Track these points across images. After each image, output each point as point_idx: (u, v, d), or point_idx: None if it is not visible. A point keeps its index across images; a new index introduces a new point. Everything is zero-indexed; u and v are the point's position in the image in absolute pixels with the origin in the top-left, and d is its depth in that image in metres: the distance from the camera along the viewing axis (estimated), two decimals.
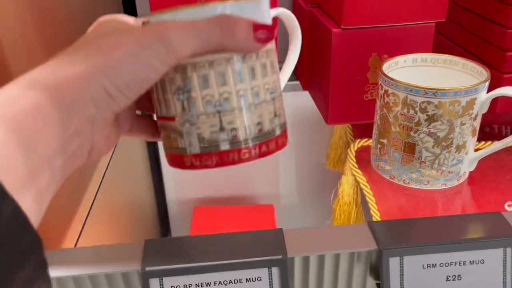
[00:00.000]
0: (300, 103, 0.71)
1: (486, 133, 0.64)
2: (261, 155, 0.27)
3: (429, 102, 0.37)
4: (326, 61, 0.52)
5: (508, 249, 0.31)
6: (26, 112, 0.21)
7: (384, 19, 0.48)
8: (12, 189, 0.18)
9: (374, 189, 0.49)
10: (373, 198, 0.49)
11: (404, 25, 0.49)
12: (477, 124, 0.40)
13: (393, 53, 0.50)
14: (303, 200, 0.81)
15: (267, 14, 0.27)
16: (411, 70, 0.45)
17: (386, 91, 0.40)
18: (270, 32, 0.26)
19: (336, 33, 0.49)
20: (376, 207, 0.48)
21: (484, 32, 0.55)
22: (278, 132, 0.28)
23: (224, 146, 0.26)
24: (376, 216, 0.47)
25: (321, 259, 0.31)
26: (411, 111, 0.38)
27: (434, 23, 0.49)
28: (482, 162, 0.61)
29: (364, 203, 0.55)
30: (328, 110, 0.54)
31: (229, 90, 0.26)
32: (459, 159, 0.40)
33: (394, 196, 0.49)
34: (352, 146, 0.56)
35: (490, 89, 0.56)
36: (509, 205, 0.55)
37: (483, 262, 0.31)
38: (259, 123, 0.27)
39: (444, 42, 0.66)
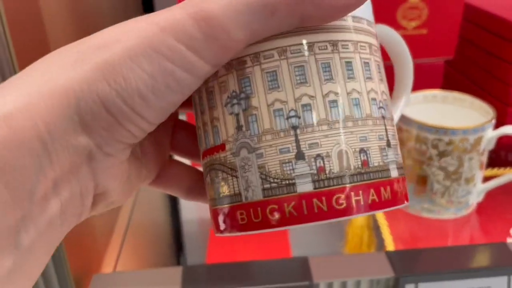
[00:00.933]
0: None
1: (501, 158, 0.67)
2: (367, 207, 0.16)
3: (440, 139, 0.41)
4: None
5: None
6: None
7: None
8: None
9: (386, 213, 0.52)
10: (385, 222, 0.52)
11: (415, 62, 0.52)
12: (484, 158, 0.43)
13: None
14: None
15: None
16: (422, 107, 0.48)
17: (400, 127, 0.44)
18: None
19: None
20: (388, 231, 0.51)
21: (491, 67, 0.59)
22: (394, 174, 0.17)
23: (304, 186, 0.16)
24: (388, 240, 0.50)
25: (343, 285, 0.34)
26: (424, 147, 0.42)
27: (443, 61, 0.53)
28: (494, 189, 0.64)
29: (376, 227, 0.58)
30: None
31: (311, 92, 0.16)
32: (468, 191, 0.44)
33: (405, 221, 0.52)
34: None
35: (497, 122, 0.59)
36: None
37: None
38: (362, 151, 0.16)
39: (455, 76, 0.69)
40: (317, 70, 0.16)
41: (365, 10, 0.18)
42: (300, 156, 0.16)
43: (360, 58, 0.17)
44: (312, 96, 0.16)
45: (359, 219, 0.62)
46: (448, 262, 0.34)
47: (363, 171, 0.16)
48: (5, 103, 0.13)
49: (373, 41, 0.18)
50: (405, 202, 0.18)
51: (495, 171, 0.58)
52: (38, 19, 0.31)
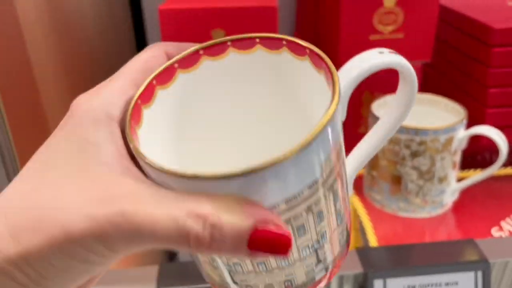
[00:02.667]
0: None
1: (478, 160, 0.69)
2: None
3: (412, 140, 0.42)
4: None
5: (479, 272, 0.35)
6: None
7: None
8: None
9: (371, 214, 0.53)
10: (369, 223, 0.53)
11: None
12: (457, 158, 0.44)
13: (385, 90, 0.55)
14: None
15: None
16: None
17: None
18: (282, 240, 0.17)
19: None
20: (373, 232, 0.52)
21: (468, 69, 0.60)
22: (319, 276, 0.22)
23: None
24: (373, 240, 0.51)
25: None
26: (397, 147, 0.43)
27: (420, 64, 0.54)
28: (472, 188, 0.65)
29: (362, 228, 0.59)
30: None
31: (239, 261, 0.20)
32: (442, 190, 0.45)
33: (389, 221, 0.53)
34: None
35: (475, 122, 0.60)
36: (496, 230, 0.59)
37: (457, 284, 0.35)
38: (288, 281, 0.21)
39: (435, 77, 0.71)
40: None
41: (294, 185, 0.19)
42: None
43: (293, 227, 0.19)
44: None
45: None
46: (416, 258, 0.35)
47: None
48: None
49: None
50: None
51: (476, 172, 0.59)
52: (15, 22, 0.33)
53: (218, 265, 0.21)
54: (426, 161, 0.42)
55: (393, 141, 0.43)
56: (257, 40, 0.22)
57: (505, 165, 0.65)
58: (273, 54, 0.22)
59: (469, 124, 0.61)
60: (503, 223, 0.60)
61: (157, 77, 0.21)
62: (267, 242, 0.16)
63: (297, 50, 0.22)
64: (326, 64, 0.20)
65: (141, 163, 0.18)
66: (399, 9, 0.50)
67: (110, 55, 0.62)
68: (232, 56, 0.22)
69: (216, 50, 0.22)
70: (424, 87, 0.76)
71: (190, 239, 0.16)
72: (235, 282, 0.22)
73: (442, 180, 0.44)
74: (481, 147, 0.68)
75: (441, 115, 0.47)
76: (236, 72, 0.22)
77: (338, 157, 0.20)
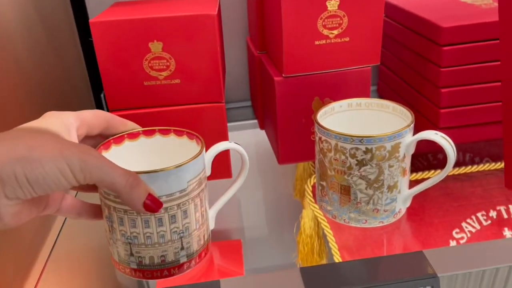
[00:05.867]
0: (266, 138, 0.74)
1: (440, 159, 0.68)
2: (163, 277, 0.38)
3: (357, 148, 0.40)
4: (272, 106, 0.55)
5: None
6: None
7: (321, 66, 0.51)
8: None
9: (332, 221, 0.52)
10: (330, 231, 0.51)
11: (341, 71, 0.52)
12: (405, 164, 0.43)
13: (334, 96, 0.53)
14: (271, 233, 0.83)
15: (174, 184, 0.36)
16: (348, 114, 0.48)
17: (320, 138, 0.43)
18: (157, 207, 0.33)
19: (278, 81, 0.52)
20: (334, 240, 0.50)
21: (421, 69, 0.59)
22: (183, 260, 0.38)
23: (133, 266, 0.38)
24: (334, 249, 0.49)
25: None
26: (343, 157, 0.41)
27: (370, 67, 0.53)
28: (431, 191, 0.64)
29: (325, 235, 0.57)
30: (278, 151, 0.56)
31: (137, 231, 0.36)
32: (392, 198, 0.43)
33: (349, 229, 0.51)
34: (308, 181, 0.58)
35: (429, 123, 0.59)
36: (457, 232, 0.58)
37: None
38: (162, 256, 0.37)
39: (392, 78, 0.70)
40: (141, 222, 0.36)
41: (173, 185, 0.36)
42: (131, 254, 0.38)
43: (168, 215, 0.36)
44: (138, 233, 0.37)
45: (307, 229, 0.61)
46: (361, 276, 0.34)
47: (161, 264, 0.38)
48: None
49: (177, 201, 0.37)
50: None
51: (430, 173, 0.58)
52: None
53: (124, 240, 0.37)
54: (373, 170, 0.41)
55: (338, 150, 0.41)
56: (156, 130, 0.42)
57: (465, 164, 0.64)
58: (165, 137, 0.42)
59: (424, 125, 0.60)
60: (464, 225, 0.59)
61: (114, 139, 0.40)
62: (153, 200, 0.33)
63: (179, 132, 0.42)
64: (197, 137, 0.40)
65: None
66: (342, 13, 0.49)
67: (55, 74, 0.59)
68: (142, 139, 0.42)
69: (132, 135, 0.41)
70: (381, 89, 0.75)
71: (127, 182, 0.31)
72: (132, 254, 0.37)
73: (392, 188, 0.42)
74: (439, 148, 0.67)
75: (390, 120, 0.46)
76: (144, 148, 0.42)
77: (199, 184, 0.38)
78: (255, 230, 0.82)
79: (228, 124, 0.75)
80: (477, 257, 0.35)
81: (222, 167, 0.54)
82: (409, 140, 0.41)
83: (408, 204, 0.46)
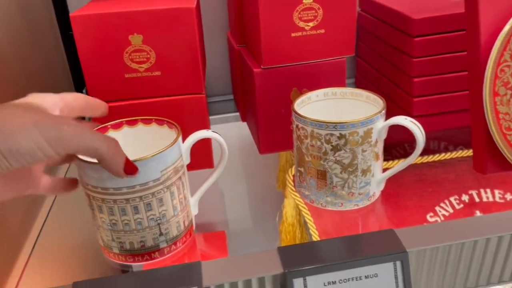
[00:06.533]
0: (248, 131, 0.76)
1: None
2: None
3: (331, 134, 0.42)
4: (253, 97, 0.56)
5: (398, 263, 0.35)
6: None
7: (298, 58, 0.53)
8: None
9: (312, 208, 0.53)
10: (311, 219, 0.53)
11: (317, 62, 0.54)
12: (378, 149, 0.44)
13: (311, 86, 0.55)
14: (254, 224, 0.84)
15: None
16: (324, 104, 0.49)
17: (297, 126, 0.45)
18: (135, 170, 0.35)
19: (257, 72, 0.53)
20: (314, 227, 0.52)
21: (394, 60, 0.61)
22: (163, 245, 0.40)
23: (115, 251, 0.40)
24: (315, 235, 0.51)
25: (235, 286, 0.34)
26: (318, 143, 0.43)
27: (345, 58, 0.54)
28: (406, 177, 0.66)
29: (305, 222, 0.59)
30: (259, 141, 0.58)
31: (115, 218, 0.38)
32: (367, 182, 0.45)
33: (329, 215, 0.53)
34: (290, 170, 0.60)
35: (403, 112, 0.61)
36: (431, 216, 0.60)
37: (377, 276, 0.35)
38: (141, 241, 0.39)
39: (367, 69, 0.72)
40: (118, 210, 0.38)
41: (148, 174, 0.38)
42: (113, 240, 0.40)
43: (144, 203, 0.38)
44: (116, 220, 0.38)
45: (289, 217, 0.63)
46: (335, 253, 0.35)
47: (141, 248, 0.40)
48: None
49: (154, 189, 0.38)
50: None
51: (395, 162, 0.61)
52: None
53: (105, 227, 0.39)
54: (347, 155, 0.43)
55: (314, 136, 0.43)
56: (139, 120, 0.44)
57: (440, 151, 0.67)
58: (147, 126, 0.44)
59: (399, 114, 0.62)
60: (437, 209, 0.61)
61: (99, 129, 0.43)
62: (129, 165, 0.35)
63: (160, 122, 0.43)
64: (176, 126, 0.42)
65: None
66: (317, 5, 0.50)
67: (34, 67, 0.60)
68: (125, 129, 0.44)
69: (115, 126, 0.44)
70: (358, 80, 0.77)
71: (109, 146, 0.32)
72: (113, 240, 0.39)
73: (365, 172, 0.44)
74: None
75: (364, 107, 0.48)
76: (127, 137, 0.43)
77: (175, 173, 0.39)
78: (239, 221, 0.83)
79: (211, 117, 0.76)
80: (444, 234, 0.37)
81: (204, 157, 0.55)
82: (381, 126, 0.43)
83: (381, 187, 0.48)
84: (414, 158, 0.44)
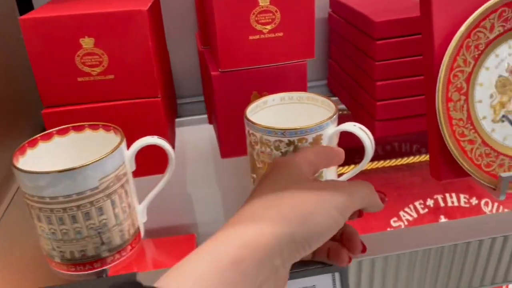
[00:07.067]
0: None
1: (387, 150, 0.69)
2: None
3: (280, 141, 0.41)
4: (213, 100, 0.55)
5: (336, 274, 0.34)
6: (227, 267, 0.25)
7: (257, 61, 0.52)
8: None
9: None
10: None
11: (277, 65, 0.53)
12: None
13: (272, 90, 0.54)
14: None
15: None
16: (281, 108, 0.49)
17: (248, 131, 0.44)
18: None
19: (215, 76, 0.52)
20: None
21: (360, 63, 0.60)
22: (105, 254, 0.39)
23: (57, 260, 0.39)
24: None
25: None
26: (268, 149, 0.42)
27: (306, 62, 0.54)
28: (372, 180, 0.65)
29: None
30: (220, 145, 0.57)
31: (54, 228, 0.37)
32: None
33: None
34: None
35: (368, 116, 0.60)
36: (394, 221, 0.60)
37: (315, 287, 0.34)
38: (82, 251, 0.38)
39: (339, 72, 0.71)
40: (59, 220, 0.37)
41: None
42: (53, 249, 0.39)
43: (81, 212, 0.37)
44: (67, 229, 0.38)
45: None
46: None
47: (82, 258, 0.39)
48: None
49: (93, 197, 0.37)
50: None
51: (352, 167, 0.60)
52: None
53: (45, 236, 0.38)
54: None
55: (263, 143, 0.42)
56: (86, 125, 0.43)
57: (412, 153, 0.66)
58: (94, 132, 0.43)
59: (365, 118, 0.61)
60: (402, 213, 0.61)
61: (41, 136, 0.42)
62: None
63: (107, 128, 0.43)
64: (120, 133, 0.41)
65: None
66: (274, 8, 0.50)
67: None
68: (72, 134, 0.43)
69: (62, 131, 0.43)
70: (330, 82, 0.76)
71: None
72: (54, 249, 0.38)
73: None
74: (383, 140, 0.69)
75: (319, 112, 0.47)
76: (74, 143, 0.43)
77: (117, 181, 0.38)
78: (208, 224, 0.82)
79: (181, 119, 0.75)
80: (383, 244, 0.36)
81: (158, 163, 0.54)
82: (331, 132, 0.42)
83: None
84: (364, 164, 0.43)
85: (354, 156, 0.72)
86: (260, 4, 0.49)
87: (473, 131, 0.44)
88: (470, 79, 0.43)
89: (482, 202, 0.61)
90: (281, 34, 0.51)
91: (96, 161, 0.36)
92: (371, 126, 0.58)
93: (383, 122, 0.58)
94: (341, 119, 0.43)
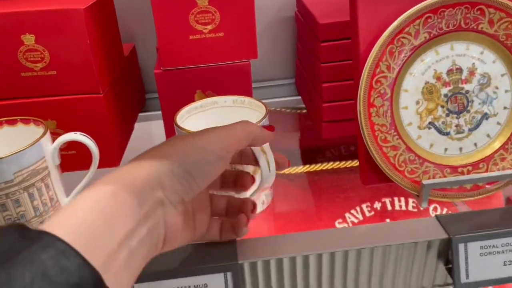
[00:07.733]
0: None
1: (352, 151, 0.69)
2: None
3: None
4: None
5: (228, 274, 0.35)
6: (105, 200, 0.25)
7: (199, 60, 0.53)
8: (96, 265, 0.22)
9: None
10: None
11: (220, 65, 0.54)
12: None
13: (216, 89, 0.55)
14: None
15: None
16: (216, 111, 0.49)
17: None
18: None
19: (158, 74, 0.53)
20: None
21: (312, 65, 0.60)
22: None
23: None
24: None
25: None
26: None
27: (249, 62, 0.54)
28: (321, 181, 0.66)
29: None
30: None
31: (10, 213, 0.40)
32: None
33: None
34: None
35: (317, 115, 0.60)
36: (339, 222, 0.60)
37: (207, 286, 0.35)
38: None
39: (301, 72, 0.71)
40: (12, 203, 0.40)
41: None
42: None
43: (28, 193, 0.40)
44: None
45: None
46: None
47: None
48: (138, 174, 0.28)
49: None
50: None
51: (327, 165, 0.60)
52: None
53: None
54: None
55: None
56: (18, 119, 0.45)
57: (355, 157, 0.66)
58: (26, 126, 0.45)
59: (318, 119, 0.62)
60: (347, 215, 0.61)
61: None
62: None
63: (25, 121, 0.45)
64: (42, 123, 0.44)
65: None
66: (213, 8, 0.50)
67: None
68: (5, 128, 0.45)
69: None
70: (296, 80, 0.76)
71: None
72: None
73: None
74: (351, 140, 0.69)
75: (251, 114, 0.47)
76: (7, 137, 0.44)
77: (36, 174, 0.40)
78: None
79: (149, 113, 0.77)
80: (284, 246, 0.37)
81: (109, 156, 0.56)
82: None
83: (270, 198, 0.48)
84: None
85: (316, 156, 0.72)
86: (199, 4, 0.50)
87: (397, 137, 0.44)
88: (394, 85, 0.43)
89: (431, 207, 0.60)
90: (221, 34, 0.52)
91: (11, 155, 0.38)
92: (319, 127, 0.59)
93: (330, 123, 0.58)
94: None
